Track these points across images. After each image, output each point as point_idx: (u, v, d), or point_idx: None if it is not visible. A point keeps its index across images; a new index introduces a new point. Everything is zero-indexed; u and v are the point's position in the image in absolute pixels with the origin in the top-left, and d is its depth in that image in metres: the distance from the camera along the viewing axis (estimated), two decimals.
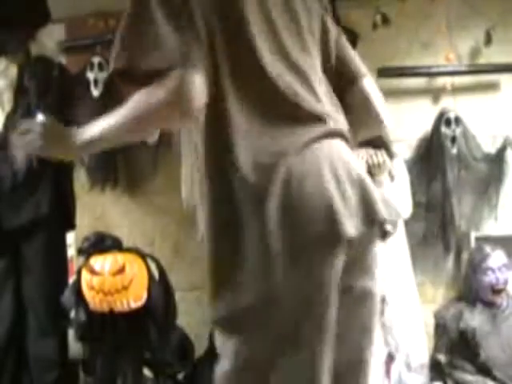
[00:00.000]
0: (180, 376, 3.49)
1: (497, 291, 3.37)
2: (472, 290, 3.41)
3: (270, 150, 1.50)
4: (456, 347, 3.37)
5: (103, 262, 3.26)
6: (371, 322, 1.66)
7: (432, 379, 3.33)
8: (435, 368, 3.36)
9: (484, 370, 3.31)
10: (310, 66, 1.63)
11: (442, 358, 3.38)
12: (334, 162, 1.54)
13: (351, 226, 1.50)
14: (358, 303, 1.62)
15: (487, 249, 3.44)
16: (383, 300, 3.24)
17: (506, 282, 3.40)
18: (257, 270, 1.48)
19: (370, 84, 1.78)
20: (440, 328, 3.41)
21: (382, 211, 1.59)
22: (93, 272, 3.24)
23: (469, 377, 3.33)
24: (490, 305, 3.39)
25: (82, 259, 3.42)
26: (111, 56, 1.51)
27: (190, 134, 1.94)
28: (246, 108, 1.51)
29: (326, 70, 1.71)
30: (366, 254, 1.61)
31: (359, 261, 1.59)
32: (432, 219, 4.01)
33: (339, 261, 1.51)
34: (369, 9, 3.92)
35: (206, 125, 1.54)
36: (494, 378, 3.29)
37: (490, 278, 3.36)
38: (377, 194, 1.60)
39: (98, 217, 4.16)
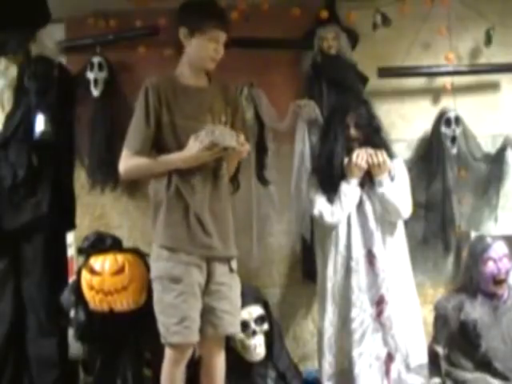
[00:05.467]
0: None
1: (498, 282, 3.35)
2: (473, 281, 3.40)
3: None
4: (455, 340, 3.35)
5: (103, 262, 3.26)
6: None
7: (429, 373, 3.31)
8: (432, 360, 3.33)
9: (484, 362, 3.30)
10: None
11: (439, 349, 3.36)
12: None
13: None
14: None
15: (488, 239, 3.43)
16: (383, 300, 3.24)
17: (507, 273, 3.39)
18: None
19: None
20: (440, 319, 3.38)
21: None
22: (93, 272, 3.24)
23: (468, 375, 3.32)
24: (491, 296, 3.38)
25: (81, 259, 3.42)
26: None
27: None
28: None
29: None
30: None
31: None
32: (432, 219, 4.01)
33: None
34: (369, 9, 3.92)
35: None
36: (494, 370, 3.28)
37: (491, 268, 3.35)
38: None
39: (98, 217, 4.16)
